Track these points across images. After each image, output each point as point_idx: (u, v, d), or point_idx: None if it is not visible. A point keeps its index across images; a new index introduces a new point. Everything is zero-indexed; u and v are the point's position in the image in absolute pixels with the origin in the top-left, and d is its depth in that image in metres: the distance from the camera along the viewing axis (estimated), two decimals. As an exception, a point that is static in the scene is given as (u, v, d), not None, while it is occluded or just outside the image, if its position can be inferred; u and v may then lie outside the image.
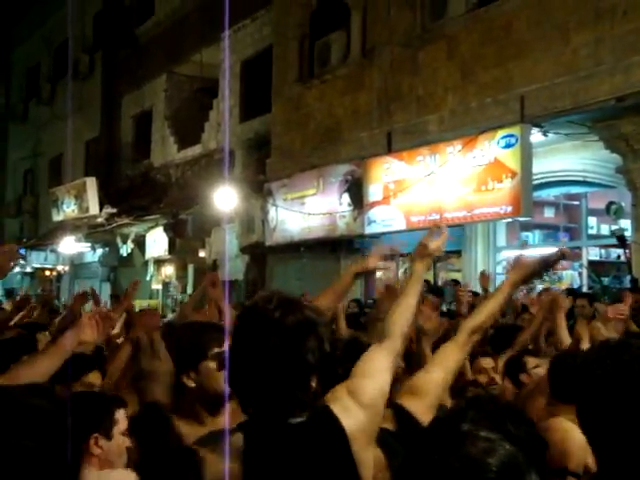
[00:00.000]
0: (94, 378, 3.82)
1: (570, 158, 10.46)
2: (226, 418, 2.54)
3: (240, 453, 2.00)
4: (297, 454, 2.03)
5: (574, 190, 11.07)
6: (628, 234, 9.55)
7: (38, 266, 25.76)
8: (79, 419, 2.70)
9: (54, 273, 25.76)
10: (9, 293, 27.29)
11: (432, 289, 11.55)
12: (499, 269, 11.56)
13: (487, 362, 4.76)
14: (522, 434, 1.62)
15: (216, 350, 2.77)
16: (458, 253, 12.11)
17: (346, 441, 2.06)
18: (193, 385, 2.72)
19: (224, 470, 1.96)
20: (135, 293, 5.26)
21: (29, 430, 1.30)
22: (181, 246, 17.72)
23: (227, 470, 1.95)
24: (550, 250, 3.40)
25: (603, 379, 1.73)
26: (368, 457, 2.11)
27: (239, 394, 2.11)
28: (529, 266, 2.93)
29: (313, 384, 2.06)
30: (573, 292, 8.69)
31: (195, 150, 18.23)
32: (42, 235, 24.88)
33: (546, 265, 2.94)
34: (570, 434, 3.34)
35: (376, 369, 2.25)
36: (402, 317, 2.43)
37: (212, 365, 2.77)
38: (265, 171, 15.05)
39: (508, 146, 9.99)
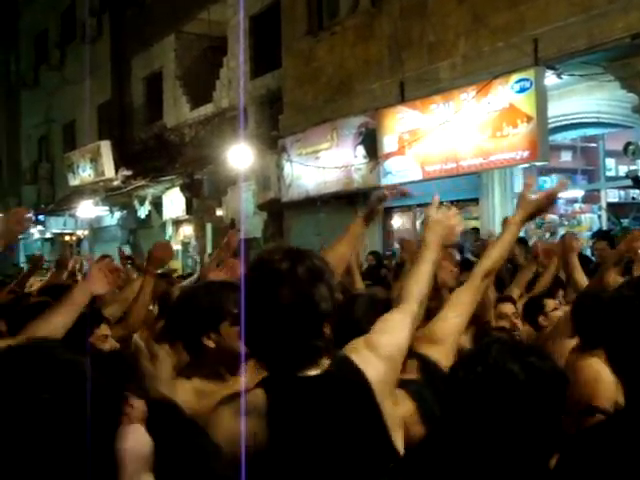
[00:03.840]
0: (104, 330, 3.87)
1: (586, 100, 10.32)
2: (242, 379, 2.54)
3: (263, 410, 1.99)
4: (322, 405, 2.02)
5: (591, 132, 10.94)
6: (646, 173, 9.47)
7: (57, 231, 25.93)
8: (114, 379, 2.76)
9: (74, 238, 25.90)
10: (30, 259, 27.52)
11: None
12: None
13: (508, 307, 4.75)
14: (545, 367, 1.66)
15: (235, 311, 2.75)
16: (475, 201, 12.04)
17: (371, 391, 2.05)
18: (213, 346, 2.70)
19: (245, 428, 1.95)
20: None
21: (57, 385, 1.31)
22: (198, 206, 17.75)
23: (243, 428, 1.95)
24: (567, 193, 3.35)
25: (632, 318, 1.73)
26: (390, 408, 2.11)
27: (254, 350, 2.11)
28: (533, 202, 2.87)
29: (326, 331, 2.05)
30: (601, 234, 8.66)
31: (207, 109, 18.15)
32: (59, 200, 25.01)
33: (549, 198, 2.87)
34: (600, 374, 3.36)
35: (394, 327, 2.24)
36: (418, 284, 2.42)
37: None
38: (278, 127, 14.98)
39: (522, 90, 9.87)
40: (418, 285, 2.41)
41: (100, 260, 3.24)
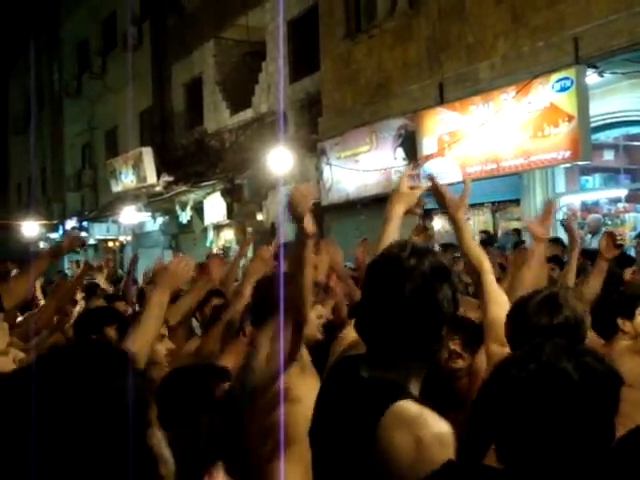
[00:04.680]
0: (162, 329, 3.92)
1: (628, 98, 10.18)
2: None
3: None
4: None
5: (634, 131, 10.79)
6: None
7: (101, 238, 26.23)
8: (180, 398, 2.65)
9: (117, 244, 26.19)
10: (75, 265, 27.90)
11: (485, 240, 11.42)
12: (559, 215, 11.37)
13: None
14: (600, 368, 1.64)
15: None
16: (516, 202, 11.95)
17: None
18: None
19: None
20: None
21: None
22: (239, 210, 17.84)
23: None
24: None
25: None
26: None
27: (370, 343, 2.06)
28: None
29: (443, 333, 2.01)
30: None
31: (247, 114, 18.24)
32: (103, 207, 25.30)
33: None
34: None
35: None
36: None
37: None
38: (318, 130, 15.01)
39: (563, 89, 9.77)
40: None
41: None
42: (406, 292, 1.94)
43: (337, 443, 2.00)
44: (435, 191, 3.08)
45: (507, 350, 2.55)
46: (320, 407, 2.14)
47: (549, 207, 3.83)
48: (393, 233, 2.97)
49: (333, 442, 2.02)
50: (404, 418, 1.84)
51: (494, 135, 10.82)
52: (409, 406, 1.88)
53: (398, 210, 3.05)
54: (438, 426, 1.84)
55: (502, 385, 1.67)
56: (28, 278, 4.61)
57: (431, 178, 3.12)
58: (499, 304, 2.79)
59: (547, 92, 9.99)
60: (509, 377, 1.66)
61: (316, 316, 3.69)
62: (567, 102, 9.79)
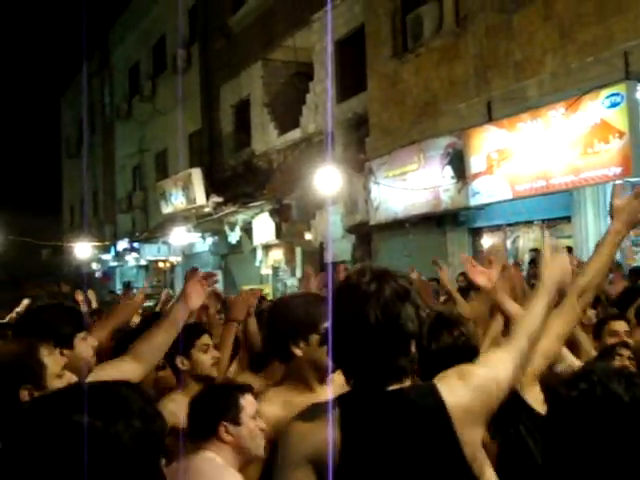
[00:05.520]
0: (206, 339, 4.02)
1: (681, 112, 10.02)
2: (329, 389, 2.60)
3: (338, 423, 2.02)
4: (394, 422, 2.03)
5: (687, 145, 10.61)
6: None
7: (152, 258, 26.54)
8: (207, 410, 3.01)
9: (167, 264, 26.47)
10: (126, 286, 28.27)
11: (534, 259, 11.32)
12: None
13: (620, 325, 4.48)
14: None
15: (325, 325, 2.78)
16: (567, 219, 11.79)
17: (446, 414, 2.03)
18: (301, 354, 2.78)
19: (323, 440, 2.00)
20: None
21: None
22: (287, 230, 17.91)
23: (329, 438, 1.98)
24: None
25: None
26: (474, 438, 2.08)
27: (342, 367, 2.16)
28: (624, 207, 2.71)
29: (413, 349, 2.09)
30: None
31: (295, 134, 18.35)
32: (153, 228, 25.61)
33: (638, 197, 2.69)
34: None
35: (496, 361, 2.20)
36: (529, 323, 2.33)
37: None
38: (365, 150, 15.03)
39: (613, 105, 9.66)
40: (530, 323, 2.32)
41: (190, 274, 3.34)
42: (370, 319, 2.02)
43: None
44: None
45: None
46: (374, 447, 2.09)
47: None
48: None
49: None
50: (457, 373, 2.13)
51: (543, 152, 10.72)
52: (442, 376, 2.13)
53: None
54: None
55: (554, 405, 1.67)
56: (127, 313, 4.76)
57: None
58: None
59: (597, 108, 9.88)
60: (560, 397, 1.65)
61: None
62: (617, 118, 9.67)
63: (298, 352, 2.77)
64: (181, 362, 3.89)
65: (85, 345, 3.15)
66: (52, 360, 2.71)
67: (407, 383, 2.10)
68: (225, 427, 2.97)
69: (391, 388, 2.07)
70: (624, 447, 1.57)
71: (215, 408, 3.02)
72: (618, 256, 10.81)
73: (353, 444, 2.01)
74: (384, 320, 2.03)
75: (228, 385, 3.35)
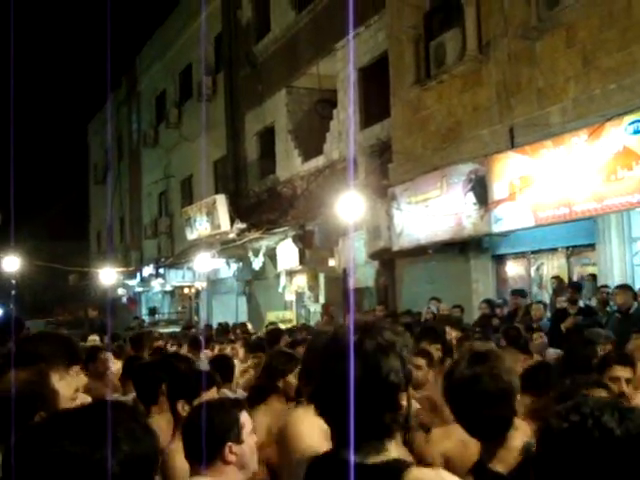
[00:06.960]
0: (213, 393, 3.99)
1: None
2: None
3: None
4: None
5: None
6: None
7: (177, 284, 26.68)
8: (210, 432, 2.89)
9: (192, 290, 26.57)
10: (152, 312, 28.45)
11: (571, 284, 11.26)
12: (637, 260, 11.09)
13: (622, 371, 4.25)
14: None
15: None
16: (592, 246, 11.70)
17: None
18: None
19: None
20: None
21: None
22: (311, 256, 17.92)
23: None
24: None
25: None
26: None
27: (329, 424, 2.12)
28: None
29: (403, 403, 2.05)
30: None
31: (318, 161, 18.42)
32: (178, 254, 25.75)
33: None
34: None
35: None
36: None
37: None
38: (388, 176, 15.04)
39: (636, 132, 9.59)
40: None
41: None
42: (352, 373, 1.99)
43: None
44: None
45: None
46: None
47: None
48: None
49: None
50: None
51: (566, 179, 10.66)
52: (423, 471, 1.98)
53: None
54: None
55: (543, 436, 1.65)
56: None
57: None
58: None
59: (620, 135, 9.82)
60: (550, 429, 1.63)
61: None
62: (641, 145, 9.60)
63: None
64: (182, 407, 3.76)
65: (71, 381, 2.95)
66: (64, 385, 2.72)
67: (396, 439, 2.06)
68: (230, 447, 2.91)
69: (368, 460, 2.01)
70: None
71: (219, 429, 2.93)
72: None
73: None
74: (364, 373, 2.00)
75: (224, 402, 3.23)
